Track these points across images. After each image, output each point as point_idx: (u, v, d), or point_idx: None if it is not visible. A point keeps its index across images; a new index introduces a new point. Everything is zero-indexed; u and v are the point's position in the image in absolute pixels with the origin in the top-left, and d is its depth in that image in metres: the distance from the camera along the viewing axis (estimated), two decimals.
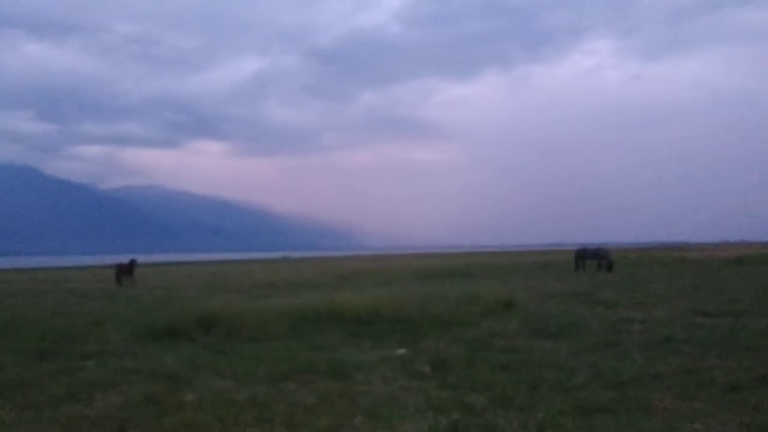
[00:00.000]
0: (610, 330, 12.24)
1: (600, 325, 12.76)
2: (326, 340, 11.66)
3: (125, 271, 36.75)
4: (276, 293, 25.69)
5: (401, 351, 10.11)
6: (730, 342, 10.43)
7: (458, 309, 14.85)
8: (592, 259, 37.09)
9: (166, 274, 52.86)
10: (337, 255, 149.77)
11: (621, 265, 39.80)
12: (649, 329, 12.19)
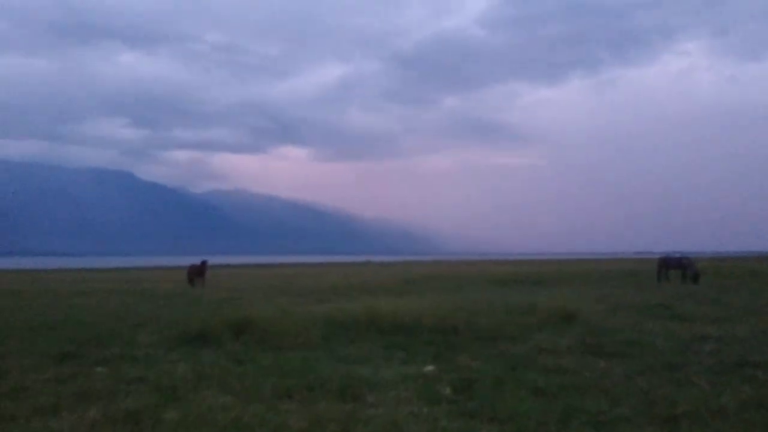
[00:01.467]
0: (677, 349, 10.80)
1: (667, 343, 11.32)
2: (356, 352, 10.80)
3: (197, 272, 37.14)
4: (335, 297, 25.12)
5: (430, 368, 9.11)
6: None
7: (511, 320, 13.70)
8: (675, 268, 34.70)
9: (240, 276, 53.32)
10: (415, 259, 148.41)
11: (710, 275, 37.13)
12: (723, 349, 10.67)
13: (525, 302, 16.96)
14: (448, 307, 14.89)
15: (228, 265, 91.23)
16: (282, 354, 10.58)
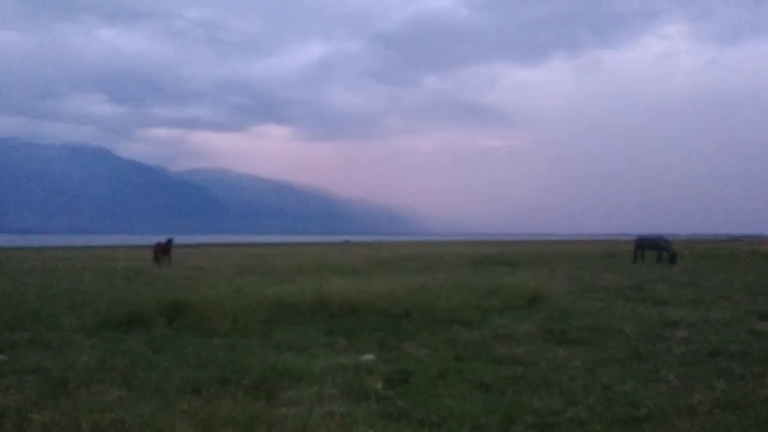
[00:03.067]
0: (646, 336, 9.89)
1: (636, 329, 10.39)
2: (296, 338, 9.78)
3: (162, 250, 36.00)
4: (300, 278, 24.17)
5: (368, 357, 8.11)
6: None
7: (472, 303, 12.74)
8: (651, 249, 34.07)
9: (211, 255, 52.13)
10: (395, 240, 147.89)
11: (685, 257, 36.60)
12: (696, 336, 9.77)
13: (491, 284, 16.07)
14: (407, 289, 13.96)
15: (202, 244, 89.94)
16: (212, 340, 9.54)
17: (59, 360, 8.06)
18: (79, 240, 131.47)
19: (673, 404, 6.04)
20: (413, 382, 6.88)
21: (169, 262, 34.48)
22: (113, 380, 7.01)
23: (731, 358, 8.17)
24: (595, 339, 9.58)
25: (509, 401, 6.15)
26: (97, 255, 51.86)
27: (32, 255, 51.23)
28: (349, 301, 12.04)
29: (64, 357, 8.27)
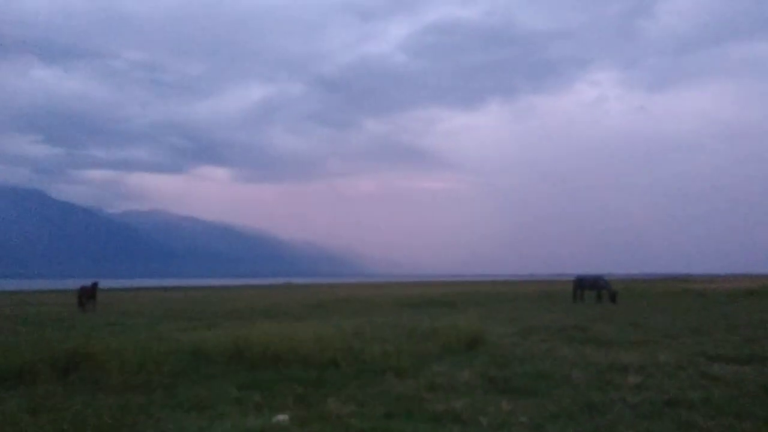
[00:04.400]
0: (596, 383, 9.01)
1: (584, 375, 9.51)
2: (204, 393, 8.51)
3: (88, 294, 34.00)
4: (230, 323, 22.76)
5: (281, 417, 6.93)
6: (763, 407, 7.23)
7: (407, 348, 11.69)
8: (591, 289, 33.85)
9: (142, 299, 49.66)
10: (337, 282, 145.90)
11: (623, 296, 36.59)
12: (648, 383, 8.94)
13: (429, 326, 15.07)
14: (339, 335, 12.83)
15: (137, 288, 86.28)
16: (106, 398, 8.19)
17: None
18: (8, 284, 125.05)
19: None
20: None
21: (94, 307, 32.62)
22: None
23: (692, 408, 7.33)
24: (542, 388, 8.64)
25: None
26: (21, 300, 48.79)
27: None
28: (272, 349, 10.82)
29: None
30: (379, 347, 11.33)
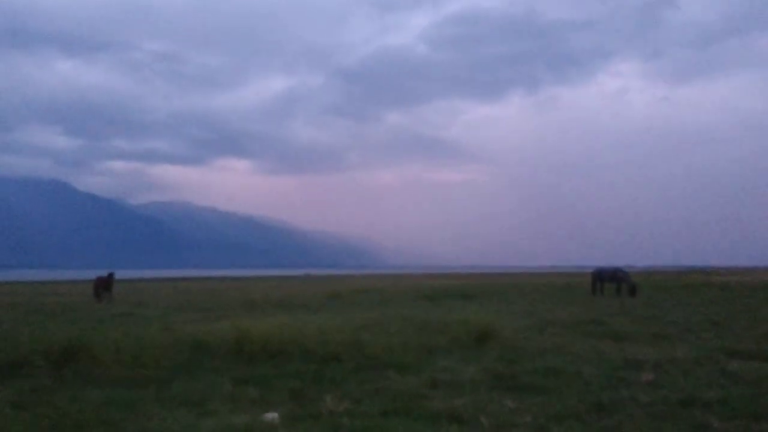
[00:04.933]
0: (608, 380, 8.59)
1: (596, 372, 9.09)
2: (199, 388, 8.24)
3: (103, 285, 34.04)
4: (242, 314, 22.62)
5: (271, 415, 6.62)
6: None
7: (415, 341, 11.35)
8: (610, 281, 33.21)
9: (159, 290, 49.79)
10: (355, 273, 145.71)
11: (643, 289, 35.90)
12: (663, 381, 8.51)
13: (441, 319, 14.70)
14: (345, 327, 12.50)
15: (157, 279, 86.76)
16: (96, 392, 7.95)
17: None
18: (30, 274, 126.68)
19: None
20: None
21: (110, 298, 32.61)
22: None
23: (707, 408, 6.91)
24: (550, 385, 8.25)
25: None
26: (38, 290, 49.21)
27: None
28: (273, 342, 10.52)
29: None
30: (385, 340, 11.00)
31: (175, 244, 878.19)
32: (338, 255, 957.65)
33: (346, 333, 11.45)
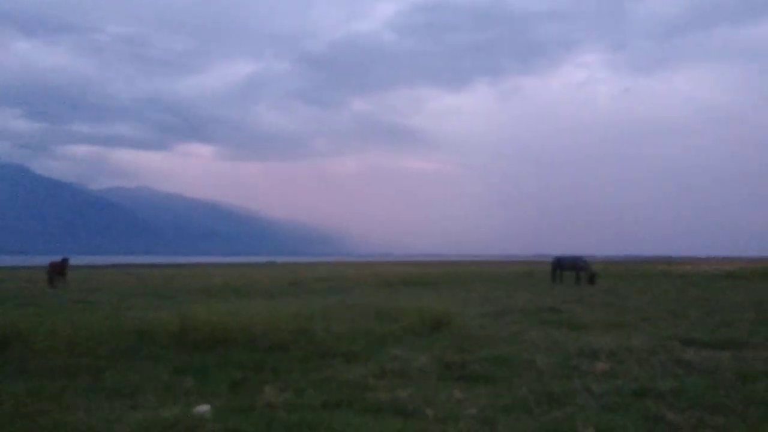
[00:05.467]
0: (561, 369, 8.36)
1: (550, 361, 8.84)
2: (135, 378, 7.77)
3: (57, 270, 33.24)
4: (197, 300, 22.14)
5: (202, 408, 6.18)
6: (738, 399, 6.59)
7: (368, 329, 11.02)
8: (569, 269, 33.40)
9: (116, 276, 48.74)
10: (321, 261, 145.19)
11: (602, 277, 36.21)
12: (617, 370, 8.29)
13: (396, 307, 14.40)
14: (298, 314, 12.12)
15: (118, 265, 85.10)
16: (28, 381, 7.46)
17: None
18: None
19: None
20: None
21: (64, 284, 31.86)
22: None
23: (661, 398, 6.68)
24: (501, 375, 7.98)
25: None
26: None
27: None
28: (220, 330, 10.08)
29: None
30: (336, 328, 10.65)
31: (137, 231, 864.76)
32: (304, 242, 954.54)
33: (298, 321, 11.06)
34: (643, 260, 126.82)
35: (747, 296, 21.64)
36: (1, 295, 24.93)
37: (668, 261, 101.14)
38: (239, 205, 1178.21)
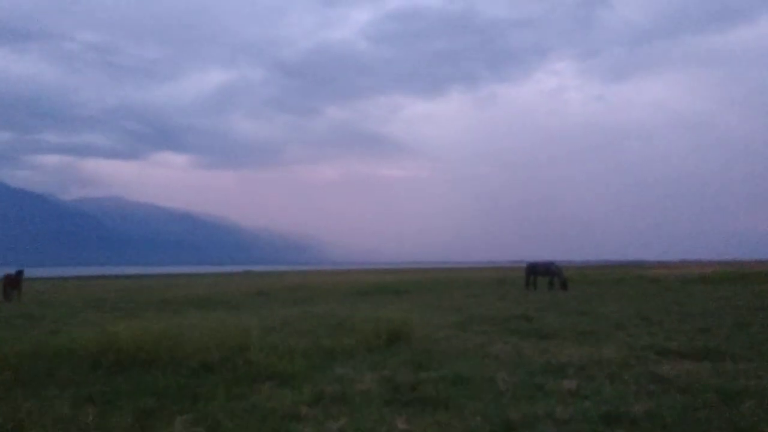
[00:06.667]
0: (524, 389, 7.39)
1: (513, 380, 7.86)
2: (24, 409, 6.63)
3: (11, 283, 31.70)
4: (152, 313, 21.01)
5: None
6: (721, 424, 5.69)
7: (318, 344, 9.99)
8: (543, 275, 32.74)
9: (77, 287, 47.09)
10: (296, 270, 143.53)
11: (576, 283, 35.58)
12: (586, 389, 7.34)
13: (356, 317, 13.40)
14: (260, 327, 11.16)
15: (85, 276, 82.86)
16: None
17: None
18: None
19: None
20: None
21: (19, 296, 30.49)
22: None
23: (633, 425, 5.75)
24: (456, 397, 6.99)
25: None
26: None
27: None
28: (147, 349, 8.95)
29: None
30: (283, 343, 9.57)
31: (108, 241, 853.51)
32: (280, 251, 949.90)
33: (238, 337, 9.93)
34: (617, 265, 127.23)
35: (721, 301, 21.02)
36: None
37: (641, 266, 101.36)
38: (215, 214, 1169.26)
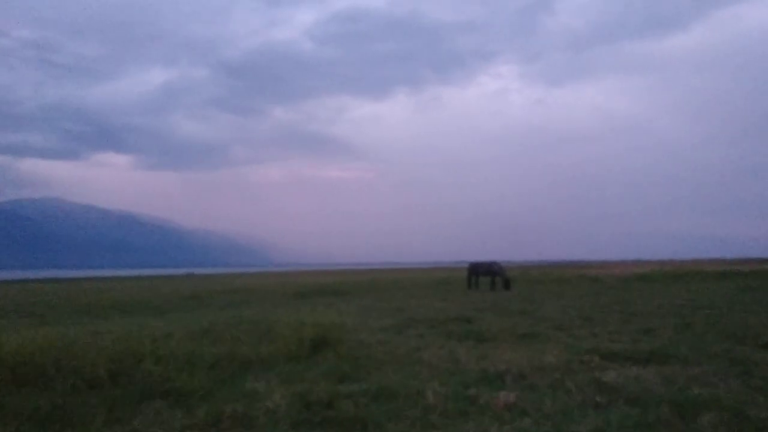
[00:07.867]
0: (455, 403, 6.50)
1: (443, 392, 6.97)
2: None
3: None
4: (72, 319, 19.67)
5: None
6: None
7: (227, 354, 8.93)
8: (485, 275, 32.32)
9: (11, 293, 44.48)
10: (239, 272, 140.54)
11: (518, 282, 35.30)
12: (525, 402, 6.49)
13: (281, 322, 12.34)
14: (180, 334, 10.05)
15: (18, 281, 78.93)
16: None
17: None
18: None
19: None
20: None
21: None
22: None
23: None
24: (377, 415, 6.04)
25: None
26: None
27: None
28: (32, 362, 7.73)
29: None
30: (190, 353, 8.47)
31: (44, 244, 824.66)
32: (225, 254, 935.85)
33: (136, 346, 8.78)
34: (558, 264, 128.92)
35: (662, 299, 20.79)
36: None
37: (582, 265, 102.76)
38: (156, 215, 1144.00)
